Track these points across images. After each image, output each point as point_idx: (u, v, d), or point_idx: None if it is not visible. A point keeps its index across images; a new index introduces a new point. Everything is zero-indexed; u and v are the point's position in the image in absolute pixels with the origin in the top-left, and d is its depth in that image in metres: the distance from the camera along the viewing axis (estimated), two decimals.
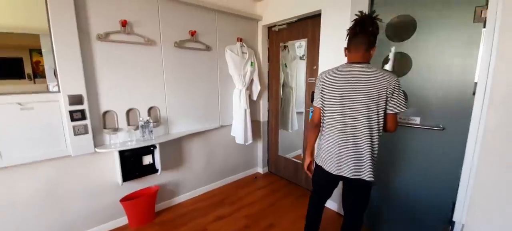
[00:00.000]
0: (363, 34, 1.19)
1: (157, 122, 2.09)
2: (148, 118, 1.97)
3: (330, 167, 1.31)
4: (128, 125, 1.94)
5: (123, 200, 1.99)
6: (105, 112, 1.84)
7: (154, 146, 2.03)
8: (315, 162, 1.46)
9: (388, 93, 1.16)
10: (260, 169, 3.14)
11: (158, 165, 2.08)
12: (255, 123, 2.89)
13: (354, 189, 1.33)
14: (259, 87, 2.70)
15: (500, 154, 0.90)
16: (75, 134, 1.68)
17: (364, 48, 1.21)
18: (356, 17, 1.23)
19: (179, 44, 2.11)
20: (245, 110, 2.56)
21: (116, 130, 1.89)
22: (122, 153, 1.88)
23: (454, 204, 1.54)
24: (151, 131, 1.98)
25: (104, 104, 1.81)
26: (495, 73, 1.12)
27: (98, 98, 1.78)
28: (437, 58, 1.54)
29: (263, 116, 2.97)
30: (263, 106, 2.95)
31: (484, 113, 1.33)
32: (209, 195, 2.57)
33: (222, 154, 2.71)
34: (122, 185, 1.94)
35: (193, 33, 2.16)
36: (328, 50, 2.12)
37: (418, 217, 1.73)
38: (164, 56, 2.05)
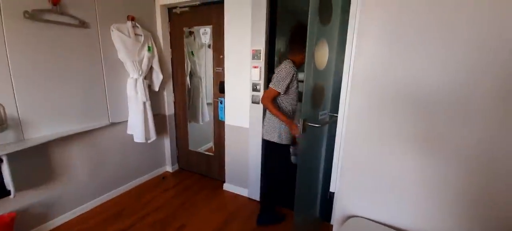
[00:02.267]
0: None
1: (2, 124, 1.46)
2: None
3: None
4: None
5: None
6: None
7: None
8: None
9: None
10: (169, 168, 2.84)
11: (9, 185, 1.48)
12: (158, 117, 2.55)
13: None
14: (161, 77, 2.38)
15: (359, 128, 1.10)
16: None
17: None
18: None
19: (33, 16, 1.52)
20: (144, 103, 2.20)
21: None
22: None
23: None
24: None
25: None
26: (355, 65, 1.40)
27: None
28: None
29: (168, 109, 2.67)
30: (168, 98, 2.65)
31: (348, 97, 1.65)
32: (100, 209, 2.09)
33: (117, 157, 2.25)
34: None
35: (55, 2, 1.60)
36: (233, 40, 2.08)
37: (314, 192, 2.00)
38: (6, 31, 1.43)
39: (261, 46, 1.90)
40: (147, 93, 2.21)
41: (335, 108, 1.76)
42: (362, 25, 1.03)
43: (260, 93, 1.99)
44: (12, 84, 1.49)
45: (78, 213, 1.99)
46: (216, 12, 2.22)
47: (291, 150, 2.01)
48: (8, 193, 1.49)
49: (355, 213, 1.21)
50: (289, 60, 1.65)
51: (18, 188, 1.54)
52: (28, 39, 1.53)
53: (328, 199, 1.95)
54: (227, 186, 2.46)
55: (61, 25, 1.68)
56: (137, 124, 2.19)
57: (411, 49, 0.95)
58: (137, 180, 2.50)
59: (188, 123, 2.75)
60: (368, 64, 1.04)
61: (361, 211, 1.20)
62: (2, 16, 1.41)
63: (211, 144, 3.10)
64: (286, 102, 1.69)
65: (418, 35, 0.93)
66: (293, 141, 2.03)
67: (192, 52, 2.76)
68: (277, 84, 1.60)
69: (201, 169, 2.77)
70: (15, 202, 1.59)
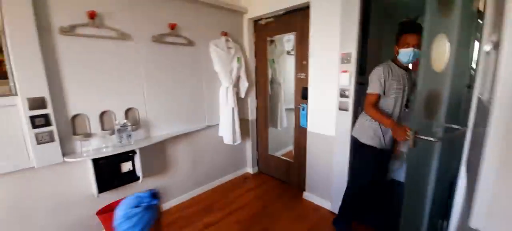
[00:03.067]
0: None
1: (136, 124, 1.90)
2: (125, 120, 1.78)
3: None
4: (103, 129, 1.74)
5: (100, 212, 1.79)
6: (75, 116, 1.63)
7: (133, 152, 1.84)
8: None
9: None
10: (250, 169, 3.02)
11: (139, 172, 1.90)
12: (243, 122, 2.75)
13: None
14: (246, 84, 2.57)
15: None
16: (39, 143, 1.46)
17: None
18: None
19: (158, 39, 1.92)
20: (233, 108, 2.42)
21: (88, 135, 1.68)
22: (96, 161, 1.68)
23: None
24: (130, 135, 1.79)
25: (72, 107, 1.60)
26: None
27: (65, 100, 1.57)
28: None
29: (251, 114, 2.85)
30: (251, 104, 2.83)
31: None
32: (196, 200, 2.41)
33: (210, 156, 2.56)
34: (98, 196, 1.74)
35: (173, 27, 1.98)
36: (318, 45, 2.03)
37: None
38: (141, 52, 1.86)
39: (352, 49, 1.77)
40: (235, 99, 2.42)
41: (455, 119, 1.44)
42: None
43: (349, 100, 1.85)
44: (144, 93, 1.92)
45: (179, 202, 2.36)
46: (300, 18, 2.23)
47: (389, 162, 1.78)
48: (137, 178, 1.91)
49: None
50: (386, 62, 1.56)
51: (144, 175, 1.96)
52: (154, 57, 1.94)
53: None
54: (307, 195, 2.39)
55: (175, 45, 2.06)
56: (227, 127, 2.43)
57: None
58: (224, 178, 2.76)
59: (268, 128, 2.85)
60: None
61: None
62: (138, 41, 1.84)
63: (287, 150, 3.12)
64: (386, 107, 1.57)
65: None
66: (394, 150, 1.78)
67: (272, 59, 2.87)
68: (371, 87, 1.54)
69: (280, 174, 2.81)
70: (141, 186, 2.02)
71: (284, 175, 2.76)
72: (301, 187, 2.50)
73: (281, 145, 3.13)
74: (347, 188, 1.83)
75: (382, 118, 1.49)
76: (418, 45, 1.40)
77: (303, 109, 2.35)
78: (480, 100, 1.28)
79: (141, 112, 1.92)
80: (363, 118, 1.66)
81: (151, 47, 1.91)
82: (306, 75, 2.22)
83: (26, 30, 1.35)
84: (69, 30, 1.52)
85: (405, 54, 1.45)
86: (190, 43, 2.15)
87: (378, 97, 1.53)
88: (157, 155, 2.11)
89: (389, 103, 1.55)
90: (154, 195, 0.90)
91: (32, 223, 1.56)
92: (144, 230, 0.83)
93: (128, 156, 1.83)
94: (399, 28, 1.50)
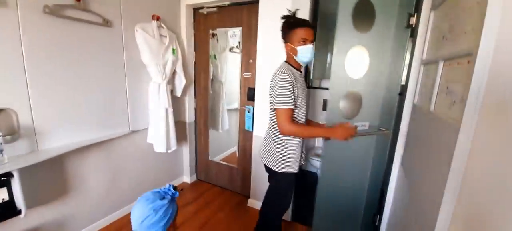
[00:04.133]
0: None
1: (14, 133, 1.28)
2: None
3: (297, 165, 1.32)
4: None
5: None
6: None
7: (8, 174, 1.23)
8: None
9: (271, 89, 1.23)
10: (187, 178, 2.64)
11: (20, 204, 1.29)
12: (179, 124, 2.36)
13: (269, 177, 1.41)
14: (184, 81, 2.19)
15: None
16: None
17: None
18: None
19: (53, 11, 1.34)
20: (167, 109, 2.01)
21: None
22: None
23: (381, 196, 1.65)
24: (0, 151, 1.18)
25: None
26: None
27: None
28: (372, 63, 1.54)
29: (189, 116, 2.48)
30: (189, 104, 2.46)
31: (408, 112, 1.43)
32: (115, 226, 1.89)
33: (135, 169, 2.06)
34: None
35: None
36: (267, 43, 1.88)
37: (352, 211, 1.78)
38: (24, 28, 1.26)
39: None
40: (170, 99, 2.02)
41: (386, 122, 1.55)
42: None
43: None
44: (27, 88, 1.31)
45: None
46: (247, 12, 2.03)
47: None
48: (18, 212, 1.30)
49: None
50: (283, 63, 1.28)
51: (28, 205, 1.35)
52: (47, 37, 1.35)
53: (374, 223, 1.72)
54: (252, 202, 2.24)
55: (83, 23, 1.50)
56: (158, 132, 2.00)
57: None
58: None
59: (209, 131, 2.55)
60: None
61: None
62: (19, 10, 1.23)
63: (228, 154, 2.90)
64: (300, 119, 1.27)
65: None
66: None
67: (214, 55, 2.58)
68: (283, 101, 1.15)
69: (222, 182, 2.56)
70: (26, 221, 1.40)
71: (227, 182, 2.52)
72: (246, 194, 2.32)
73: (222, 148, 2.88)
74: (264, 218, 1.43)
75: (313, 130, 1.29)
76: (313, 41, 1.21)
77: (248, 112, 2.18)
78: (414, 106, 1.43)
79: (22, 115, 1.30)
80: (278, 143, 1.26)
81: (42, 21, 1.32)
82: (253, 75, 2.05)
83: None
84: None
85: (306, 51, 1.19)
86: (106, 22, 1.62)
87: (293, 111, 1.19)
88: (53, 175, 1.51)
89: (301, 114, 1.27)
90: (174, 188, 0.93)
91: None
92: (169, 222, 0.87)
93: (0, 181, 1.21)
94: (287, 22, 1.23)
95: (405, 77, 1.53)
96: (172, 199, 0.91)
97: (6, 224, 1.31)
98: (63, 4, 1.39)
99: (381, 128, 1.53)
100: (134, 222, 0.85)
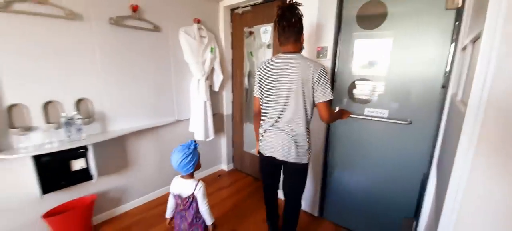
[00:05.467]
0: (289, 27, 1.21)
1: (89, 117, 1.69)
2: (74, 113, 1.57)
3: (264, 150, 1.41)
4: (47, 122, 1.52)
5: (48, 215, 1.59)
6: (11, 107, 1.40)
7: (85, 148, 1.64)
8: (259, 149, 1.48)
9: (314, 82, 1.18)
10: (224, 166, 2.89)
11: (93, 171, 1.70)
12: (217, 117, 2.60)
13: (287, 171, 1.43)
14: (221, 77, 2.41)
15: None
16: None
17: (293, 39, 1.24)
18: (278, 9, 1.23)
19: (117, 21, 1.70)
20: (205, 102, 2.26)
21: (28, 129, 1.46)
22: (38, 158, 1.47)
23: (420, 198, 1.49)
24: (80, 129, 1.59)
25: (8, 96, 1.37)
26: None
27: None
28: (406, 49, 1.42)
29: (226, 109, 2.70)
30: (226, 98, 2.67)
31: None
32: (162, 200, 2.25)
33: None
34: (42, 197, 1.53)
35: (135, 9, 1.77)
36: None
37: (380, 211, 1.67)
38: (96, 36, 1.64)
39: (328, 43, 1.67)
40: (208, 93, 2.26)
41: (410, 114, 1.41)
42: None
43: None
44: (99, 82, 1.70)
45: (142, 202, 2.18)
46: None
47: None
48: (91, 177, 1.71)
49: None
50: (305, 56, 1.28)
51: (100, 174, 1.76)
52: (112, 42, 1.72)
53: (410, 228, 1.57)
54: (280, 194, 2.30)
55: (138, 30, 1.85)
56: (198, 122, 2.27)
57: None
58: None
59: (244, 124, 2.72)
60: None
61: None
62: (92, 22, 1.61)
63: None
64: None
65: None
66: None
67: (251, 52, 2.72)
68: (331, 92, 1.22)
69: (254, 172, 2.70)
70: (96, 185, 1.82)
71: (259, 173, 2.65)
72: None
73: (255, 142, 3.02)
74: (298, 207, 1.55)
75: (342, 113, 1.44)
76: None
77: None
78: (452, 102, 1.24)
79: (95, 104, 1.71)
80: (308, 134, 1.31)
81: (109, 30, 1.69)
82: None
83: None
84: (4, 6, 1.28)
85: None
86: (156, 28, 1.94)
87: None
88: (116, 152, 1.91)
89: None
90: (195, 141, 1.32)
91: None
92: (195, 163, 1.32)
93: (79, 152, 1.63)
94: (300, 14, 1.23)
95: (449, 67, 1.35)
96: (195, 148, 1.31)
97: (83, 186, 1.75)
98: (123, 16, 1.74)
99: (404, 120, 1.44)
100: (174, 164, 1.27)
